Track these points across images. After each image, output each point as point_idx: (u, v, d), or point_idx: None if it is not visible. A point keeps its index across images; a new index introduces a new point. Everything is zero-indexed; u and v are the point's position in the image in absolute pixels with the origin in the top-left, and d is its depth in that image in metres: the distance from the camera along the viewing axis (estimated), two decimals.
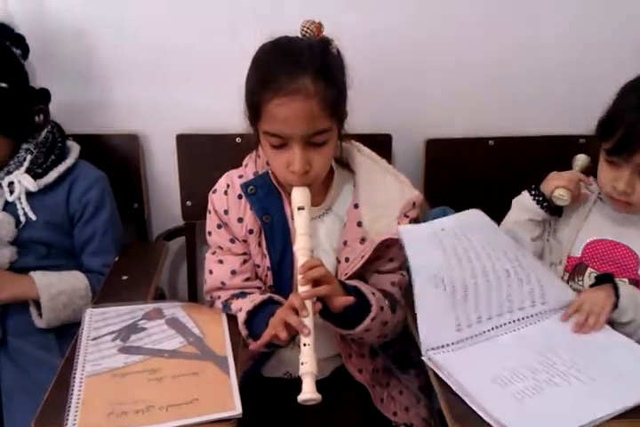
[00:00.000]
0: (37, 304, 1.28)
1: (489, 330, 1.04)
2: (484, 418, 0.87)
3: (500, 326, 1.05)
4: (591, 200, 1.21)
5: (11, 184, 1.29)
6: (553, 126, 1.54)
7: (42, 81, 1.39)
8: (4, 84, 1.23)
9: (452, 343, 1.01)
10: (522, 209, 1.23)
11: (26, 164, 1.28)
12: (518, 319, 1.06)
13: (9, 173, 1.28)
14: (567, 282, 1.19)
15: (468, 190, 1.52)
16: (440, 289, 1.04)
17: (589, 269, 1.18)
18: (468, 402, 0.90)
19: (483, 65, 1.50)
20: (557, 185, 1.17)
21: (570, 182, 1.17)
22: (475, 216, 1.17)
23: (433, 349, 1.00)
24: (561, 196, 1.16)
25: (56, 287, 1.27)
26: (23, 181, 1.28)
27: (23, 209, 1.29)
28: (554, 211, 1.23)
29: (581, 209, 1.21)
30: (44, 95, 1.35)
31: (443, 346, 1.00)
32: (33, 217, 1.30)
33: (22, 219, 1.29)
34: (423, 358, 0.99)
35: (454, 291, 1.04)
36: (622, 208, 1.16)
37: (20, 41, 1.32)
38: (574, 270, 1.19)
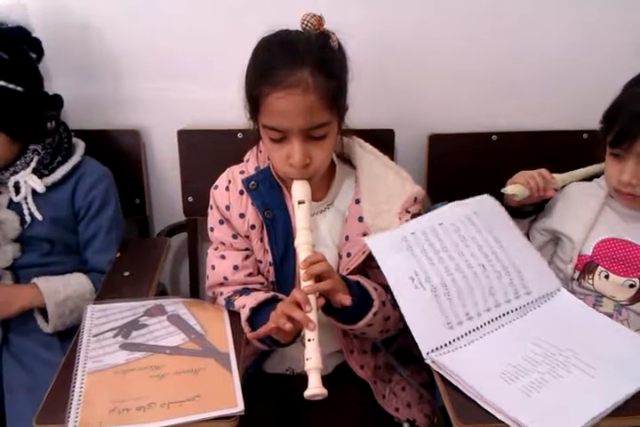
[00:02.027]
0: (42, 310, 1.27)
1: (481, 326, 1.04)
2: (500, 418, 0.87)
3: (491, 320, 1.05)
4: (602, 198, 1.20)
5: (16, 184, 1.27)
6: (556, 121, 1.53)
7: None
8: (19, 88, 1.21)
9: (449, 343, 1.01)
10: None
11: (32, 164, 1.27)
12: (507, 313, 1.06)
13: (15, 173, 1.27)
14: (577, 280, 1.19)
15: (471, 186, 1.48)
16: (420, 289, 1.04)
17: (600, 268, 1.17)
18: (479, 402, 0.90)
19: (486, 60, 1.49)
20: (509, 182, 1.21)
21: (519, 177, 1.20)
22: (453, 209, 1.16)
23: (432, 351, 0.99)
24: (505, 191, 1.19)
25: (62, 294, 1.26)
26: (29, 181, 1.26)
27: (29, 209, 1.28)
28: (531, 212, 1.25)
29: (593, 207, 1.20)
30: (57, 101, 1.34)
31: (441, 346, 1.00)
32: (39, 217, 1.28)
33: (27, 219, 1.28)
34: (426, 360, 0.99)
35: (435, 289, 1.04)
36: (628, 203, 1.16)
37: (36, 44, 1.30)
38: (584, 269, 1.18)
